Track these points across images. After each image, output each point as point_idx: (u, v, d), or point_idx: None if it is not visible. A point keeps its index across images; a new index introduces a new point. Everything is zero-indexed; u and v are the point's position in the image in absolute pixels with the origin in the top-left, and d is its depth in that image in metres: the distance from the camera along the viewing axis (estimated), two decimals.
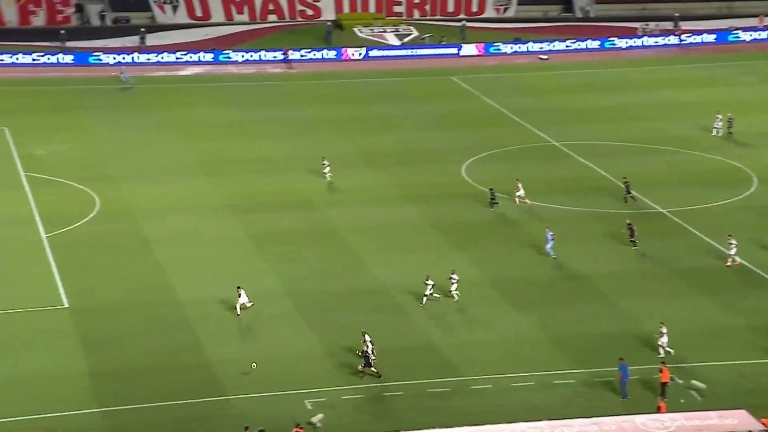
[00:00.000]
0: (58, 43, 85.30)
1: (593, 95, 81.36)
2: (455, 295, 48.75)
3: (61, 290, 49.14)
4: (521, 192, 59.22)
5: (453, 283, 48.83)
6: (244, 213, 58.46)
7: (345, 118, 74.96)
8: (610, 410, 40.13)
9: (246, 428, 38.38)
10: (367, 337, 43.75)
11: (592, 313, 48.18)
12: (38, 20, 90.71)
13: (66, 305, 48.06)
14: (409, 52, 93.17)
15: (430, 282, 48.56)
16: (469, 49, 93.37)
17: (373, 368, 43.29)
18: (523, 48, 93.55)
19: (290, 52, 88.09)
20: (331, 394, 42.19)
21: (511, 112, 77.01)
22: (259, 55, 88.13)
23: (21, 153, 64.58)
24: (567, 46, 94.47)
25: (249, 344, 45.88)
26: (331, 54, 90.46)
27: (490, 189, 59.43)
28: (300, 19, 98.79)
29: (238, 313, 46.90)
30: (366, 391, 42.25)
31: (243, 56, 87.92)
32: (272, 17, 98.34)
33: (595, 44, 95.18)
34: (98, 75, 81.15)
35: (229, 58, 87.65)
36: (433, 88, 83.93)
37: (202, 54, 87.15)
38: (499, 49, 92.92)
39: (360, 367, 43.49)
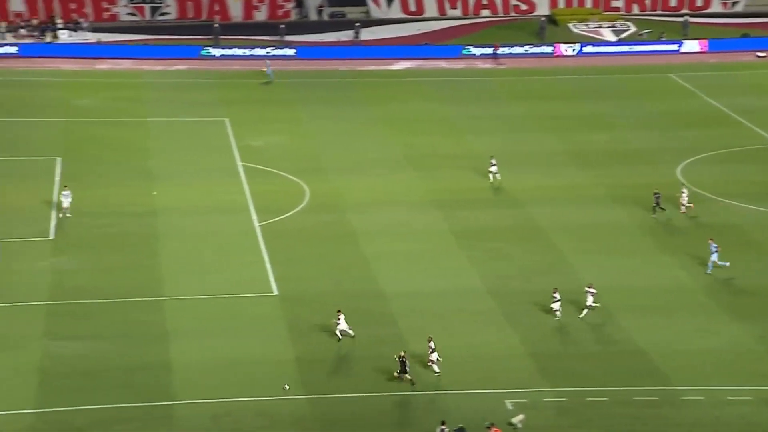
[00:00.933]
0: (277, 37, 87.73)
1: None
2: (588, 309, 46.67)
3: (271, 278, 50.42)
4: (685, 198, 56.89)
5: (589, 296, 46.76)
6: (449, 209, 58.45)
7: (555, 116, 73.84)
8: None
9: (442, 422, 38.35)
10: (432, 344, 42.68)
11: None
12: (260, 15, 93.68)
13: (275, 293, 49.28)
14: (625, 48, 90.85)
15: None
16: (691, 45, 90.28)
17: (408, 375, 41.94)
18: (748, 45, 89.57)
19: (499, 48, 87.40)
20: (532, 395, 41.72)
21: (734, 111, 74.03)
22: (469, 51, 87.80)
23: (239, 144, 66.64)
24: None
25: (450, 341, 45.76)
26: (548, 50, 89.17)
27: (656, 194, 57.02)
28: (513, 14, 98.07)
29: (339, 338, 44.86)
30: (569, 395, 41.49)
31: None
32: (485, 12, 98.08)
33: None
34: (313, 68, 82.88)
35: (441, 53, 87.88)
36: (651, 85, 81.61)
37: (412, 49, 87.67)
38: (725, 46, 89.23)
39: (396, 373, 42.14)
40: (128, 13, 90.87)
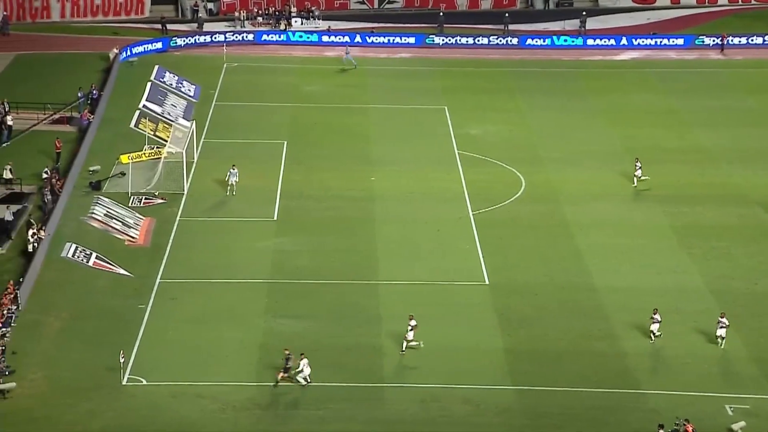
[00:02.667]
0: (501, 26, 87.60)
1: None
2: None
3: (483, 267, 50.58)
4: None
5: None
6: (670, 204, 56.97)
7: None
8: None
9: (660, 426, 37.54)
10: (413, 322, 42.81)
11: None
12: (486, 4, 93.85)
13: (486, 282, 49.43)
14: None
15: (656, 317, 44.21)
16: None
17: (286, 374, 40.88)
18: None
19: (727, 38, 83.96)
20: (756, 401, 40.29)
21: None
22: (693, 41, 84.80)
23: (456, 132, 67.03)
24: None
25: (666, 339, 44.75)
26: None
27: None
28: (754, 2, 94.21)
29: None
30: None
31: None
32: (722, 0, 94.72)
33: None
34: (535, 58, 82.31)
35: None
36: None
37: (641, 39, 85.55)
38: None
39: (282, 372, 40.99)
40: (358, 2, 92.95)
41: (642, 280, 49.48)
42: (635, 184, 58.23)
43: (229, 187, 57.38)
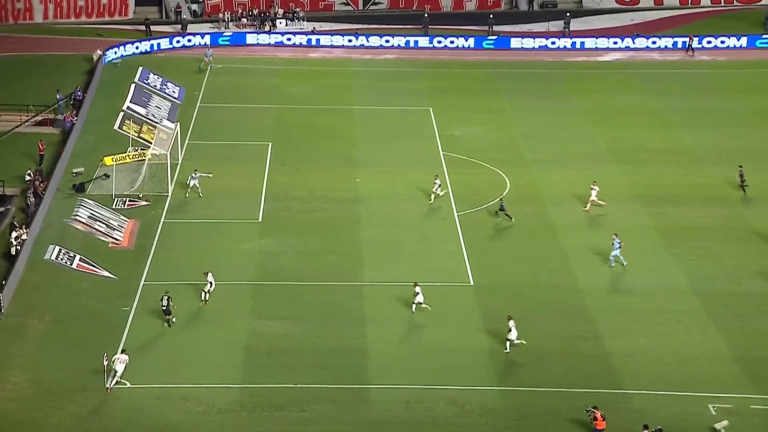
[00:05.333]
0: (486, 27, 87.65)
1: None
2: None
3: (468, 268, 50.63)
4: (593, 196, 55.02)
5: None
6: (653, 204, 57.16)
7: None
8: None
9: (645, 426, 37.69)
10: (210, 277, 46.28)
11: None
12: (471, 5, 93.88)
13: (471, 283, 49.47)
14: None
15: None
16: None
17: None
18: None
19: (693, 39, 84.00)
20: (738, 401, 40.44)
21: None
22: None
23: (441, 133, 67.07)
24: None
25: (649, 339, 44.95)
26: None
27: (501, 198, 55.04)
28: (737, 3, 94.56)
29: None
30: None
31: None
32: (705, 2, 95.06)
33: None
34: (519, 59, 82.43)
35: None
36: None
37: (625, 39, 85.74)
38: None
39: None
40: (342, 3, 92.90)
41: (626, 281, 49.63)
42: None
43: (189, 190, 57.00)
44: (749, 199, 57.62)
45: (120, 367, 41.29)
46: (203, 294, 46.72)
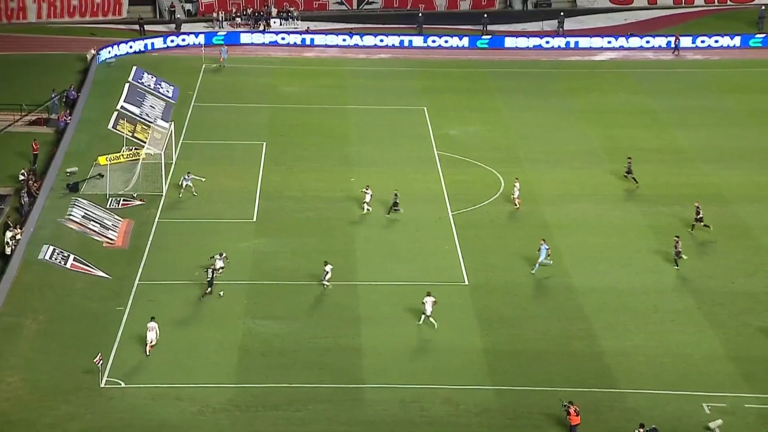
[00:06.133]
0: (480, 27, 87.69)
1: None
2: None
3: (463, 267, 50.62)
4: (516, 192, 55.52)
5: None
6: (648, 204, 57.21)
7: None
8: None
9: (641, 425, 37.71)
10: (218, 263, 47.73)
11: None
12: (465, 5, 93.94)
13: (466, 282, 49.47)
14: None
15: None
16: None
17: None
18: None
19: (679, 38, 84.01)
20: (732, 400, 40.48)
21: None
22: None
23: (436, 132, 67.07)
24: None
25: (644, 339, 44.96)
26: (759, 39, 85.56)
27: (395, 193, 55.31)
28: (730, 3, 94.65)
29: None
30: None
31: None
32: (699, 1, 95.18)
33: None
34: (514, 59, 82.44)
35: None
36: None
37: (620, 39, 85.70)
38: None
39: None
40: (336, 2, 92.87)
41: (621, 280, 49.66)
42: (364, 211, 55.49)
43: (182, 190, 56.91)
44: (639, 193, 57.73)
45: (152, 335, 42.90)
46: (209, 272, 47.54)
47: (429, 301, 45.21)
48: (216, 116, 69.08)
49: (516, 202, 56.17)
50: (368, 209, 55.33)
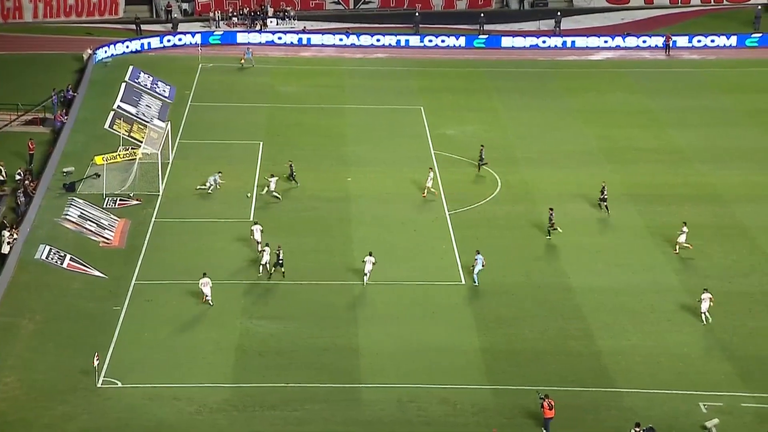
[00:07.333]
0: (477, 26, 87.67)
1: None
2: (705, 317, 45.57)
3: (460, 267, 50.61)
4: (429, 182, 56.53)
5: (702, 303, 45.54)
6: (645, 203, 57.22)
7: (766, 109, 71.02)
8: None
9: (637, 424, 37.73)
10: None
11: None
12: (461, 4, 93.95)
13: (463, 282, 49.45)
14: None
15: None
16: None
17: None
18: None
19: (671, 38, 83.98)
20: (729, 399, 40.51)
21: None
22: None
23: (433, 132, 67.05)
24: None
25: (641, 338, 44.98)
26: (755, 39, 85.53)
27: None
28: (726, 2, 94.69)
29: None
30: None
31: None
32: (695, 1, 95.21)
33: None
34: (511, 58, 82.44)
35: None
36: None
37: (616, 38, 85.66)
38: None
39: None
40: (333, 2, 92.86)
41: (618, 280, 49.68)
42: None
43: (212, 186, 57.30)
44: (637, 192, 57.84)
45: (206, 290, 46.07)
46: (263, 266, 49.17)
47: (369, 260, 47.74)
48: (213, 116, 69.02)
49: (425, 191, 56.53)
50: (277, 197, 56.38)
